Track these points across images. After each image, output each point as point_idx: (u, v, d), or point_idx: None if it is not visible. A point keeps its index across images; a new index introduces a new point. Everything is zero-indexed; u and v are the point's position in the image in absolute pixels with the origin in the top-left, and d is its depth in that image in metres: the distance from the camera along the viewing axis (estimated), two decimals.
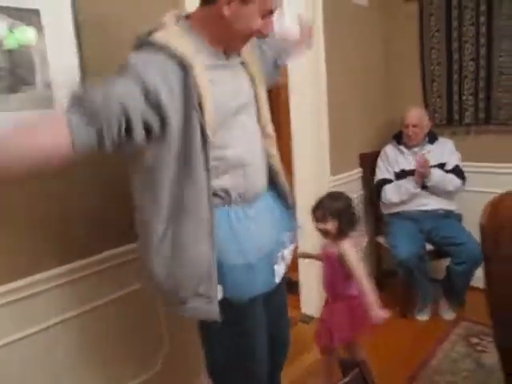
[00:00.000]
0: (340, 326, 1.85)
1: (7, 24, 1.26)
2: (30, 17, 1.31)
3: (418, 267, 2.54)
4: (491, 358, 2.21)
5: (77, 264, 1.53)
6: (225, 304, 1.21)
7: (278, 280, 1.36)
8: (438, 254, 2.65)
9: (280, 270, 1.37)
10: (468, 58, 2.73)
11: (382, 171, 2.79)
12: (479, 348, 2.30)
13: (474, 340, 2.38)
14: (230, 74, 1.26)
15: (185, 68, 1.08)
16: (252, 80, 1.32)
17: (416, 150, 2.72)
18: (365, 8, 2.85)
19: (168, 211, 1.14)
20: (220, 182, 1.22)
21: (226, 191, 1.24)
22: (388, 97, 3.11)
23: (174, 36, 1.13)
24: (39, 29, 1.33)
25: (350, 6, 2.71)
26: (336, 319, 1.86)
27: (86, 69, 1.46)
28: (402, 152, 2.76)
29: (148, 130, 1.07)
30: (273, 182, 1.41)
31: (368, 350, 2.37)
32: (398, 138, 2.81)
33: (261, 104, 1.34)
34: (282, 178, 1.43)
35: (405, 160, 2.72)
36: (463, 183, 2.65)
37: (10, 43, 1.27)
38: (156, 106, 1.05)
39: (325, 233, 1.81)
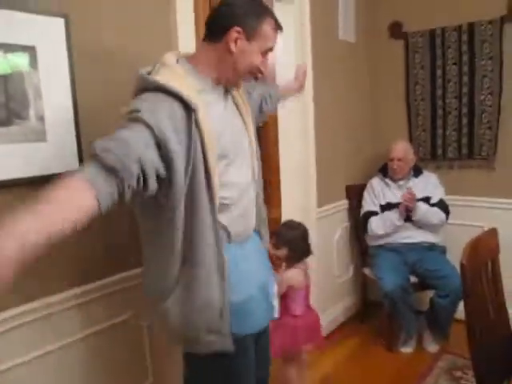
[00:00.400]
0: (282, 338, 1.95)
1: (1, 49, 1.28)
2: (26, 53, 1.34)
3: (403, 299, 2.56)
4: None
5: (54, 298, 1.52)
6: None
7: (276, 315, 1.43)
8: (422, 286, 2.68)
9: (276, 305, 1.43)
10: (451, 96, 2.83)
11: (368, 203, 2.83)
12: (463, 382, 2.31)
13: (458, 374, 2.39)
14: (230, 113, 1.31)
15: (190, 111, 1.11)
16: (244, 122, 1.36)
17: (401, 183, 2.78)
18: (352, 44, 2.95)
19: (181, 254, 1.17)
20: (220, 219, 1.23)
21: (225, 228, 1.26)
22: (374, 130, 3.19)
23: (178, 78, 1.16)
24: (34, 64, 1.36)
25: (337, 42, 2.80)
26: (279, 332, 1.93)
27: (79, 104, 1.49)
28: (387, 185, 2.82)
29: (158, 177, 1.09)
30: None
31: (353, 382, 2.37)
32: (384, 171, 2.87)
33: (251, 148, 1.38)
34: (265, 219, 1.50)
35: (391, 193, 2.78)
36: (447, 217, 2.70)
37: (3, 68, 1.29)
38: (164, 155, 1.08)
39: (277, 258, 1.96)
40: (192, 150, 1.11)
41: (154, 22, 1.74)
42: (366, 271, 2.93)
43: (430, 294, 2.63)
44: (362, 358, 2.66)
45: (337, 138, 2.84)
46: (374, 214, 2.75)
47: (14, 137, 1.33)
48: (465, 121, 2.81)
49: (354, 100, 3.00)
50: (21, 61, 1.34)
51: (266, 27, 1.21)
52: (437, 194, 2.73)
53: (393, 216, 2.69)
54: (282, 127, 2.64)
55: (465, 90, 2.77)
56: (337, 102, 2.82)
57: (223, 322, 1.21)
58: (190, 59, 1.25)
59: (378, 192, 2.81)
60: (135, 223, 1.45)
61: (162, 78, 1.14)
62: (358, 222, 2.92)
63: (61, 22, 1.43)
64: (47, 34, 1.39)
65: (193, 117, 1.11)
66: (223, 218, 1.24)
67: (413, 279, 2.67)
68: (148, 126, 1.05)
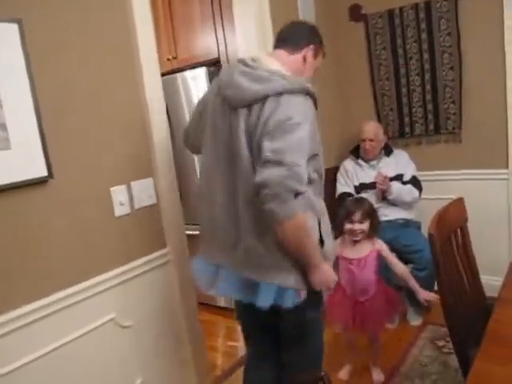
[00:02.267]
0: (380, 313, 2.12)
1: None
2: None
3: (382, 276, 2.62)
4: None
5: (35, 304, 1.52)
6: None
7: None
8: (401, 261, 2.74)
9: None
10: (414, 73, 2.88)
11: (343, 185, 2.88)
12: (446, 350, 2.39)
13: (441, 343, 2.47)
14: None
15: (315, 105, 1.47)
16: None
17: (374, 163, 2.82)
18: None
19: None
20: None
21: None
22: (343, 113, 3.23)
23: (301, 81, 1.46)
24: None
25: None
26: (377, 307, 2.10)
27: (41, 108, 1.48)
28: (360, 166, 2.86)
29: None
30: None
31: (338, 361, 2.42)
32: (356, 153, 2.91)
33: None
34: None
35: (364, 173, 2.82)
36: (420, 193, 2.77)
37: None
38: None
39: (358, 234, 2.10)
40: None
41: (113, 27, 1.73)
42: None
43: (409, 268, 2.69)
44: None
45: None
46: (349, 195, 2.80)
47: None
48: (429, 97, 2.87)
49: (319, 83, 3.01)
50: None
51: (322, 51, 1.65)
52: (409, 171, 2.78)
53: (370, 198, 2.73)
54: None
55: (426, 66, 2.83)
56: None
57: None
58: (284, 63, 1.53)
59: (352, 173, 2.85)
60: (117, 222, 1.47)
61: (295, 81, 1.42)
62: (333, 205, 2.96)
63: (15, 27, 1.41)
64: (2, 39, 1.37)
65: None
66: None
67: None
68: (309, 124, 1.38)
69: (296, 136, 1.29)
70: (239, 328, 3.00)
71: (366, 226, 2.09)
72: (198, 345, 2.16)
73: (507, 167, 2.70)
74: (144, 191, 1.91)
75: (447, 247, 1.46)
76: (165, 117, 2.01)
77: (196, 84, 2.91)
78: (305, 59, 1.55)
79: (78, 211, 1.66)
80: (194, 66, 2.96)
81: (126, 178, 1.84)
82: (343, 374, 2.32)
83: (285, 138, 1.28)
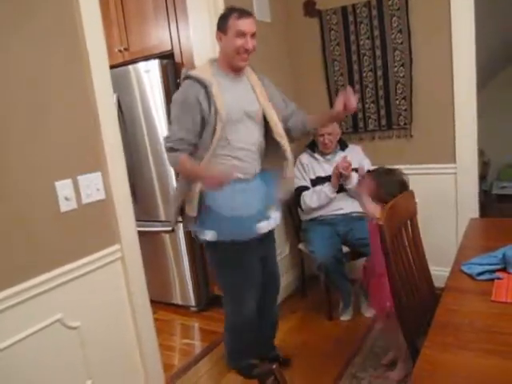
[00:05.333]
0: None
1: None
2: None
3: (336, 269, 2.66)
4: None
5: None
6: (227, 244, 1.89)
7: (259, 231, 1.95)
8: (355, 254, 2.79)
9: (262, 226, 1.96)
10: (367, 69, 2.93)
11: (299, 179, 2.88)
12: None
13: None
14: (241, 88, 1.95)
15: (205, 84, 1.82)
16: (257, 99, 1.98)
17: (329, 157, 2.85)
18: (268, 24, 2.96)
19: None
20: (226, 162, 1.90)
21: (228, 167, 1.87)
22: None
23: (201, 69, 1.95)
24: None
25: None
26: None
27: None
28: (316, 160, 2.87)
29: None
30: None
31: (295, 354, 2.44)
32: (312, 147, 2.93)
33: (269, 116, 1.99)
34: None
35: (320, 167, 2.84)
36: None
37: None
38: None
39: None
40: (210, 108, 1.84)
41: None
42: (301, 246, 3.00)
43: (363, 261, 2.74)
44: (304, 329, 2.74)
45: None
46: (306, 188, 2.81)
47: None
48: (381, 93, 2.92)
49: (275, 79, 3.00)
50: None
51: (231, 21, 1.83)
52: (364, 166, 2.82)
53: (326, 189, 2.75)
54: None
55: (379, 63, 2.88)
56: None
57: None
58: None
59: (308, 167, 2.86)
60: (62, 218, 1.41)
61: (192, 72, 1.90)
62: (291, 200, 2.97)
63: None
64: None
65: (208, 89, 1.82)
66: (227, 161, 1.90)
67: (345, 249, 2.77)
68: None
69: (172, 113, 1.90)
70: (195, 325, 3.00)
71: (369, 183, 2.05)
72: (151, 344, 2.10)
73: (455, 162, 2.79)
74: (92, 185, 1.83)
75: (397, 239, 1.49)
76: (114, 109, 1.94)
77: (149, 76, 2.83)
78: (220, 41, 1.90)
79: (19, 207, 1.57)
80: (147, 58, 2.88)
81: (72, 171, 1.76)
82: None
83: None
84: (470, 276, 1.48)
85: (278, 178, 2.05)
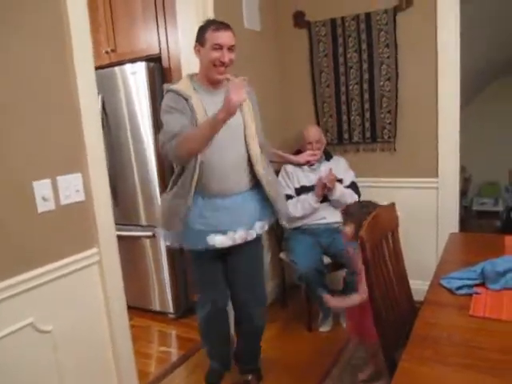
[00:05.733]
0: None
1: None
2: None
3: (317, 280, 2.64)
4: None
5: None
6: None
7: (216, 245, 1.96)
8: (336, 265, 2.79)
9: (222, 240, 1.96)
10: (353, 82, 2.96)
11: (284, 187, 2.87)
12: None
13: None
14: (219, 100, 1.76)
15: (184, 97, 1.86)
16: (240, 110, 1.88)
17: (314, 167, 2.84)
18: (258, 33, 2.97)
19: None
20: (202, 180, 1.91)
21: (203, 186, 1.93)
22: (283, 118, 3.25)
23: (180, 83, 1.95)
24: None
25: (243, 30, 2.80)
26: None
27: None
28: (301, 169, 2.86)
29: None
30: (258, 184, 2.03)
31: (273, 365, 2.42)
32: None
33: (248, 126, 1.97)
34: (264, 181, 2.01)
35: (305, 176, 2.83)
36: (359, 198, 2.82)
37: None
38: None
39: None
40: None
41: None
42: (283, 256, 2.98)
43: (343, 273, 2.74)
44: (284, 340, 2.72)
45: None
46: (290, 197, 2.80)
47: None
48: (367, 106, 2.95)
49: (262, 88, 3.01)
50: None
51: (208, 33, 1.84)
52: (348, 177, 2.84)
53: (310, 198, 2.75)
54: None
55: (365, 76, 2.91)
56: None
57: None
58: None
59: (293, 176, 2.86)
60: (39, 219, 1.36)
61: (173, 86, 1.93)
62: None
63: None
64: None
65: (188, 102, 1.85)
66: (202, 179, 1.91)
67: (327, 260, 2.76)
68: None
69: (163, 118, 1.89)
70: (173, 333, 2.95)
71: (348, 230, 1.98)
72: (126, 351, 2.06)
73: (437, 176, 2.83)
74: (71, 187, 1.79)
75: (378, 250, 1.48)
76: (98, 109, 1.91)
77: (135, 78, 2.80)
78: (199, 54, 1.90)
79: None
80: (133, 61, 2.85)
81: (51, 171, 1.71)
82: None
83: None
84: (449, 290, 1.49)
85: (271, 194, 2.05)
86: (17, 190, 1.60)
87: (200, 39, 1.88)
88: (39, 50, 1.65)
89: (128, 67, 2.81)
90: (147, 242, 3.04)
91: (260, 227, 2.07)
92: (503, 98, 4.51)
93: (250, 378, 2.28)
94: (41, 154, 1.67)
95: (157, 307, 3.11)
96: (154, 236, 2.98)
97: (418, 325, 1.28)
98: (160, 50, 2.83)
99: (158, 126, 2.86)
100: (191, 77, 1.99)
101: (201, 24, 1.93)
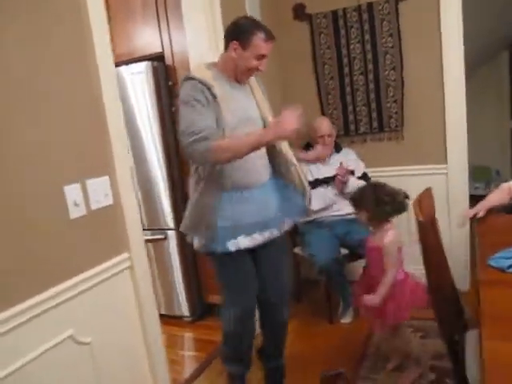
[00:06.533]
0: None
1: None
2: None
3: (337, 272, 2.65)
4: (415, 346, 2.37)
5: None
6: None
7: (251, 244, 1.89)
8: (353, 256, 2.79)
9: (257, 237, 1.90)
10: (358, 73, 2.96)
11: None
12: None
13: None
14: (242, 94, 1.89)
15: (207, 86, 1.75)
16: (257, 104, 1.94)
17: (326, 159, 2.84)
18: None
19: None
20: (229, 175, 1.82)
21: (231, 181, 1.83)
22: None
23: (201, 71, 1.83)
24: None
25: None
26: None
27: None
28: (313, 162, 2.86)
29: None
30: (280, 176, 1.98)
31: (301, 360, 2.39)
32: (307, 149, 2.91)
33: (267, 122, 1.91)
34: (290, 172, 1.97)
35: (317, 169, 2.83)
36: None
37: None
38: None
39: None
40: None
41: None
42: (298, 250, 2.97)
43: (362, 263, 2.74)
44: (306, 334, 2.71)
45: None
46: None
47: None
48: (372, 96, 2.96)
49: (264, 81, 2.99)
50: None
51: (256, 40, 1.76)
52: (359, 168, 2.85)
53: (329, 192, 2.75)
54: None
55: (370, 66, 2.92)
56: None
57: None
58: (216, 63, 1.91)
59: (306, 169, 2.84)
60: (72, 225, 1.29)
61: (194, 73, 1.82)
62: None
63: None
64: None
65: (211, 89, 1.75)
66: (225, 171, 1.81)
67: (344, 251, 2.76)
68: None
69: (184, 111, 1.76)
70: (192, 336, 2.89)
71: (361, 216, 2.02)
72: (160, 357, 2.00)
73: (446, 162, 2.86)
74: (100, 190, 1.72)
75: (433, 233, 1.48)
76: (120, 110, 1.84)
77: (138, 79, 2.73)
78: (234, 52, 1.79)
79: (29, 215, 1.45)
80: (134, 61, 2.78)
81: (80, 175, 1.64)
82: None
83: None
84: (500, 269, 1.50)
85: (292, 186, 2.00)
86: (49, 195, 1.53)
87: (243, 40, 1.77)
88: (63, 54, 1.59)
89: (132, 67, 2.73)
90: (158, 244, 2.97)
91: (286, 222, 2.02)
92: (484, 83, 4.63)
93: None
94: (70, 156, 1.61)
95: (172, 311, 3.04)
96: (165, 238, 2.92)
97: (483, 303, 1.28)
98: (163, 48, 2.76)
99: (165, 124, 2.81)
100: (209, 66, 1.88)
101: (240, 20, 1.84)
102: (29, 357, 1.42)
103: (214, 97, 1.76)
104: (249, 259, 1.97)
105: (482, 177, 4.83)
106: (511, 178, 4.84)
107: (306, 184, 2.02)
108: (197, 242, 1.93)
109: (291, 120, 1.68)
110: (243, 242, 1.87)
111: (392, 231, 2.00)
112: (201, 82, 1.75)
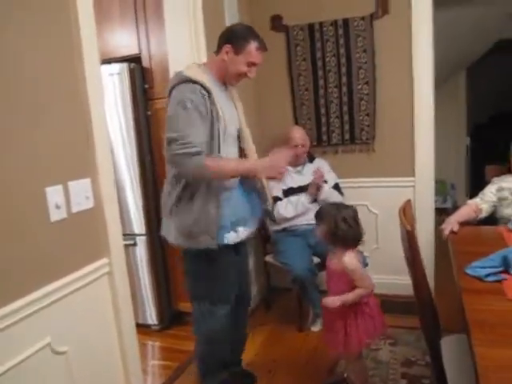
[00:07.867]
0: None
1: None
2: None
3: (311, 281, 2.67)
4: (385, 353, 2.44)
5: None
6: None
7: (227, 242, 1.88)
8: (324, 265, 2.81)
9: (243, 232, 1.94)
10: (332, 85, 3.04)
11: (271, 189, 2.87)
12: (373, 347, 2.51)
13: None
14: (225, 98, 1.90)
15: (208, 92, 1.75)
16: (236, 108, 1.99)
17: (299, 168, 2.89)
18: None
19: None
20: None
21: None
22: (261, 121, 3.25)
23: (199, 74, 1.78)
24: None
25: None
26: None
27: None
28: (287, 171, 2.88)
29: None
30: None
31: (273, 367, 2.40)
32: None
33: (245, 135, 2.01)
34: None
35: (290, 178, 2.86)
36: (343, 198, 2.90)
37: None
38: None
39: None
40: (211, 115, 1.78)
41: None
42: (269, 258, 2.98)
43: None
44: (277, 342, 2.71)
45: None
46: (279, 199, 2.81)
47: None
48: (345, 108, 3.04)
49: (239, 90, 3.01)
50: None
51: (250, 48, 1.80)
52: (331, 179, 2.90)
53: (303, 198, 2.78)
54: None
55: (344, 80, 3.00)
56: None
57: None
58: (206, 64, 1.92)
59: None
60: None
61: (192, 74, 1.76)
62: None
63: None
64: None
65: (211, 95, 1.76)
66: None
67: (316, 260, 2.79)
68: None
69: (182, 116, 1.72)
70: (161, 345, 2.82)
71: (320, 230, 1.99)
72: (136, 366, 1.94)
73: (414, 175, 2.98)
74: (81, 193, 1.66)
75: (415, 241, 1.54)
76: (104, 111, 1.78)
77: (115, 80, 2.66)
78: (226, 55, 1.82)
79: (9, 217, 1.37)
80: (108, 61, 2.71)
81: (62, 176, 1.58)
82: None
83: None
84: (478, 278, 1.57)
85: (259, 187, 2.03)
86: (29, 197, 1.46)
87: (237, 45, 1.80)
88: (49, 54, 1.53)
89: (108, 67, 2.66)
90: (127, 250, 2.88)
91: (255, 223, 2.06)
92: (443, 101, 4.87)
93: None
94: (53, 157, 1.54)
95: (140, 319, 2.95)
96: (134, 244, 2.85)
97: (469, 312, 1.34)
98: (140, 49, 2.72)
99: (140, 129, 2.75)
100: (201, 67, 1.87)
101: (236, 25, 1.93)
102: (5, 366, 1.34)
103: (213, 103, 1.76)
104: (234, 254, 1.99)
105: (439, 190, 5.06)
106: (465, 192, 5.13)
107: (268, 190, 2.07)
108: (177, 238, 1.86)
109: (283, 163, 1.79)
110: (234, 236, 1.90)
111: (350, 252, 1.93)
112: (202, 86, 1.74)
